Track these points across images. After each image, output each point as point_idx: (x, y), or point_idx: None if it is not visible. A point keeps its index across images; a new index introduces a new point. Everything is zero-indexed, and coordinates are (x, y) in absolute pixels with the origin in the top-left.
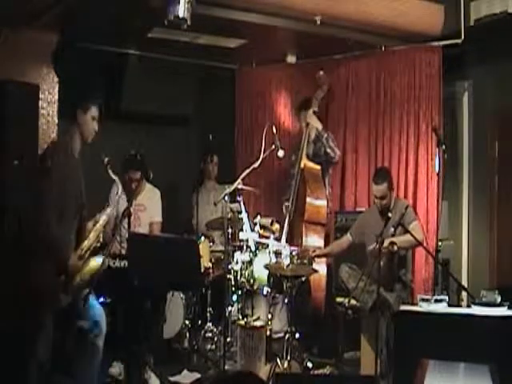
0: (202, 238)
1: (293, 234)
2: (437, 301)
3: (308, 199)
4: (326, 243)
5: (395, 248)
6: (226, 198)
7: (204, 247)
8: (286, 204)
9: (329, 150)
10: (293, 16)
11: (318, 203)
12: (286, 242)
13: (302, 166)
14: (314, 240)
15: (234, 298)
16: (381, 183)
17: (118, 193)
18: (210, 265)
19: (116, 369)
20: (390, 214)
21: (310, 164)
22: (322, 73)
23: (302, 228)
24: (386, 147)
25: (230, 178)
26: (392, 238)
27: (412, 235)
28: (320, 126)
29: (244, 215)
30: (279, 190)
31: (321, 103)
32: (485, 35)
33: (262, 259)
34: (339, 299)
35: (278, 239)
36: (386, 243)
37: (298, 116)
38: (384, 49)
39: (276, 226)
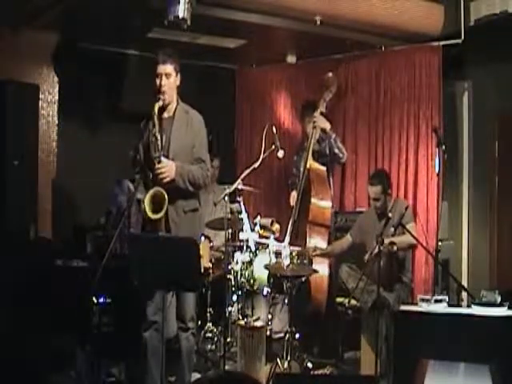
0: (202, 238)
1: (297, 235)
2: (437, 301)
3: (313, 200)
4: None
5: (395, 248)
6: (226, 198)
7: (204, 247)
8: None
9: (337, 151)
10: (293, 16)
11: (322, 204)
12: (290, 242)
13: (308, 166)
14: (317, 241)
15: (234, 298)
16: (375, 185)
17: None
18: (210, 265)
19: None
20: (390, 215)
21: (316, 165)
22: (330, 74)
23: (306, 229)
24: (385, 147)
25: (230, 178)
26: (391, 238)
27: (411, 234)
28: (328, 126)
29: (244, 215)
30: (279, 190)
31: (328, 104)
32: (485, 35)
33: (262, 259)
34: (339, 299)
35: (281, 239)
36: (385, 243)
37: (302, 117)
38: (384, 49)
39: (276, 226)
